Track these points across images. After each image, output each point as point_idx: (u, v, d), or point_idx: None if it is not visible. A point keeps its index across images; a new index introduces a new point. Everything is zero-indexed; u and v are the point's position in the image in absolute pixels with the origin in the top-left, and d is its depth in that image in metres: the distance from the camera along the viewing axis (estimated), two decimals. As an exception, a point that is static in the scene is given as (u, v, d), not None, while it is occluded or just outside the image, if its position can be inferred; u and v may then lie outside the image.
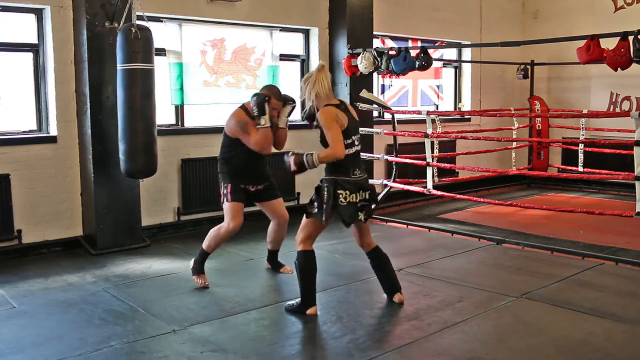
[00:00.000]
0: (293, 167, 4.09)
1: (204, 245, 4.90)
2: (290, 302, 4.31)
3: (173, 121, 6.99)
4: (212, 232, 4.89)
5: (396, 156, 7.84)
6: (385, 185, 7.79)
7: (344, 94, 7.81)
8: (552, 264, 5.50)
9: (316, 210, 4.11)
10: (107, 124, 5.85)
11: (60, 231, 6.05)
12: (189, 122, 7.02)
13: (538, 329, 3.98)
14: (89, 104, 5.82)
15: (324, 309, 4.34)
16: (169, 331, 3.96)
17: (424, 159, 7.49)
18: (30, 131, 6.03)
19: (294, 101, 4.96)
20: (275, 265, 5.31)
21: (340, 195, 4.06)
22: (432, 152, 7.56)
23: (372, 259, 4.48)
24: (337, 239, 6.52)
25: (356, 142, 4.18)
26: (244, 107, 4.86)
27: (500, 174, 8.49)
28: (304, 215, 4.23)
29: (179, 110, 6.99)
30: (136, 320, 4.17)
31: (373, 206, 4.31)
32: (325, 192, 4.07)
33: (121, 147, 5.47)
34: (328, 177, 4.11)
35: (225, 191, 4.84)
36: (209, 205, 6.87)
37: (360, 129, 7.38)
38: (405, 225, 7.09)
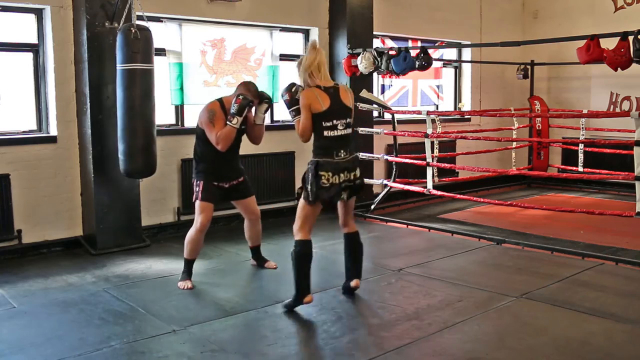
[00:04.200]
0: (284, 99, 4.30)
1: (184, 253, 4.94)
2: (288, 301, 4.31)
3: (173, 121, 6.99)
4: (186, 238, 4.92)
5: (396, 156, 7.84)
6: (385, 185, 7.80)
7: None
8: (552, 264, 5.50)
9: (304, 192, 4.24)
10: (107, 124, 5.85)
11: (60, 231, 6.05)
12: (189, 122, 7.01)
13: (538, 329, 3.98)
14: (89, 104, 5.82)
15: (323, 308, 4.34)
16: (169, 331, 3.96)
17: (424, 159, 7.49)
18: (30, 131, 6.03)
19: (270, 99, 4.96)
20: (259, 260, 5.40)
21: (323, 177, 4.15)
22: (432, 152, 7.56)
23: (346, 241, 4.58)
24: (337, 239, 6.51)
25: (340, 126, 4.22)
26: (220, 100, 4.87)
27: (500, 174, 8.49)
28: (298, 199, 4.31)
29: (179, 110, 6.99)
30: (136, 320, 4.17)
31: (357, 182, 4.32)
32: (309, 174, 4.20)
33: (120, 147, 5.47)
34: (312, 159, 4.23)
35: (197, 189, 4.87)
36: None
37: (361, 129, 7.57)
38: (405, 225, 7.09)
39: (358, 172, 4.32)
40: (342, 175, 4.21)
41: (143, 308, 4.39)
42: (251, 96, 4.77)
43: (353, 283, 4.57)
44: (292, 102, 4.26)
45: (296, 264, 4.23)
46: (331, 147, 4.20)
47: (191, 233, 4.88)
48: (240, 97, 4.68)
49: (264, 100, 4.90)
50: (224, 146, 4.71)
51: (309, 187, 4.19)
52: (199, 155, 4.91)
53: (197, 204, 4.86)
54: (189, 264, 4.94)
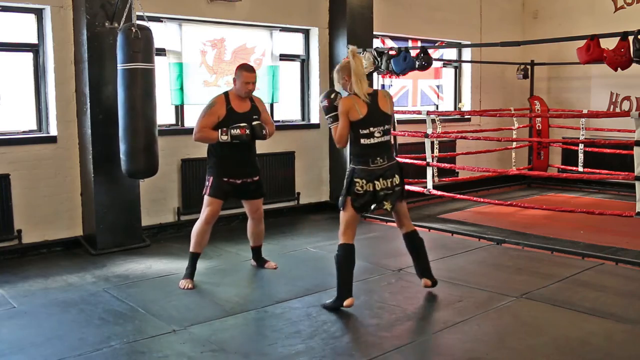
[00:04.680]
0: (323, 105, 4.38)
1: (190, 247, 4.95)
2: (328, 301, 4.36)
3: (173, 121, 7.00)
4: (192, 231, 4.97)
5: (396, 156, 7.82)
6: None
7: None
8: (552, 264, 5.50)
9: (340, 199, 4.38)
10: (107, 124, 5.84)
11: (60, 231, 6.05)
12: (189, 122, 7.01)
13: (538, 329, 3.98)
14: (89, 104, 5.82)
15: (323, 308, 4.34)
16: (169, 331, 3.96)
17: (424, 159, 7.50)
18: (30, 131, 6.03)
19: (263, 136, 4.91)
20: (259, 261, 5.39)
21: (357, 184, 4.25)
22: (432, 152, 7.56)
23: (406, 242, 4.67)
24: (337, 239, 6.51)
25: (377, 133, 4.26)
26: (226, 94, 4.95)
27: (500, 174, 8.50)
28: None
29: (179, 110, 6.99)
30: (136, 320, 4.17)
31: (397, 189, 4.35)
32: (345, 181, 4.31)
33: (122, 147, 5.47)
34: (350, 166, 4.33)
35: (207, 183, 4.93)
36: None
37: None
38: (405, 225, 7.08)
39: (397, 179, 4.33)
40: (377, 183, 4.25)
41: (143, 308, 4.39)
42: (252, 80, 4.87)
43: (422, 283, 4.61)
44: (330, 109, 4.33)
45: (338, 267, 4.31)
46: (367, 154, 4.25)
47: (197, 225, 4.92)
48: (247, 130, 4.77)
49: (257, 137, 4.91)
50: (196, 139, 4.89)
51: (343, 193, 4.30)
52: (210, 149, 4.96)
53: (205, 198, 4.91)
54: (193, 258, 4.92)
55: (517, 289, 4.75)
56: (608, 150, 8.48)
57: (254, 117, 4.92)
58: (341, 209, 4.34)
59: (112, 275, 5.22)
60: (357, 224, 4.41)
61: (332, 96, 4.34)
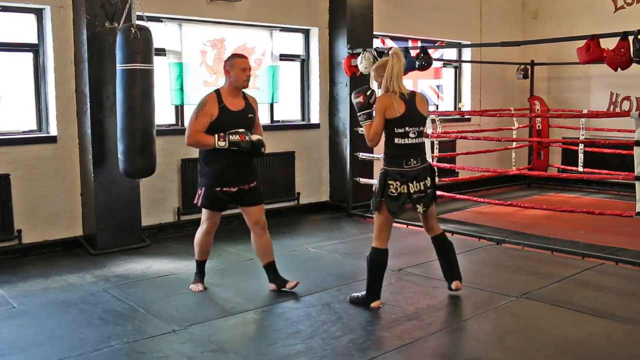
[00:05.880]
0: (357, 101, 4.25)
1: (195, 255, 4.85)
2: (356, 294, 4.43)
3: (173, 121, 6.99)
4: (195, 239, 4.77)
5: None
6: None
7: (344, 94, 7.81)
8: (552, 264, 5.50)
9: (372, 200, 4.33)
10: (107, 124, 5.85)
11: (60, 231, 6.05)
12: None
13: (538, 329, 3.98)
14: (89, 104, 5.82)
15: (323, 308, 4.35)
16: (169, 331, 3.96)
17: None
18: (30, 131, 6.03)
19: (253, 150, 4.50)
20: (278, 280, 4.73)
21: (391, 186, 4.20)
22: (432, 152, 7.56)
23: (435, 245, 4.64)
24: (337, 239, 6.53)
25: (411, 134, 4.21)
26: (217, 92, 4.50)
27: (500, 174, 8.50)
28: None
29: (179, 111, 6.99)
30: (136, 320, 4.17)
31: (429, 191, 4.35)
32: (377, 183, 4.27)
33: (120, 147, 5.47)
34: (383, 167, 4.27)
35: (199, 192, 4.54)
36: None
37: (361, 129, 7.53)
38: (405, 225, 7.08)
39: (429, 181, 4.33)
40: (411, 185, 4.22)
41: (143, 308, 4.39)
42: (248, 66, 4.49)
43: (453, 285, 4.60)
44: (364, 106, 4.23)
45: (369, 270, 4.33)
46: (401, 155, 4.21)
47: (198, 235, 4.73)
48: (247, 137, 4.38)
49: (256, 154, 4.55)
50: (189, 144, 4.46)
51: (377, 196, 4.25)
52: (202, 155, 4.55)
53: (203, 210, 4.63)
54: (199, 265, 4.86)
55: (517, 289, 4.75)
56: (608, 150, 8.48)
57: (249, 115, 4.58)
58: (375, 211, 4.29)
59: (112, 275, 5.22)
60: (391, 227, 4.35)
61: (368, 93, 4.23)
